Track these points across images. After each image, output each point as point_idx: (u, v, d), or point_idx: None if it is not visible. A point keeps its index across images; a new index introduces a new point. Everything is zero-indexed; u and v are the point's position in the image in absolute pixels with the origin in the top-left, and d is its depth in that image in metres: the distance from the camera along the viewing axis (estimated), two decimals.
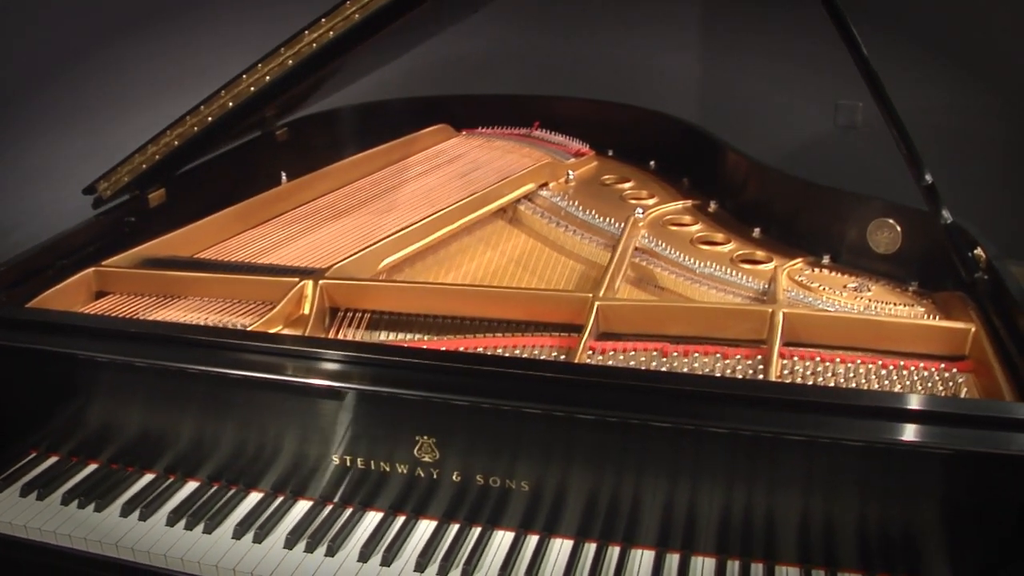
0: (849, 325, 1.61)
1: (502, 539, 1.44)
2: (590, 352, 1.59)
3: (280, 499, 1.53)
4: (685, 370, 1.55)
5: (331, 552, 1.42)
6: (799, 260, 1.96)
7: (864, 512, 1.31)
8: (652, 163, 2.59)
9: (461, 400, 1.40)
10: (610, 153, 2.69)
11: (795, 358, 1.57)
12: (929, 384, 1.50)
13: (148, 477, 1.60)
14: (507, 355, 1.61)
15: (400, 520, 1.48)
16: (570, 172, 2.45)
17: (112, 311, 1.79)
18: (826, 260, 1.97)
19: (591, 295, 1.67)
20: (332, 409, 1.47)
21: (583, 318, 1.64)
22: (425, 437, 1.43)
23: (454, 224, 2.08)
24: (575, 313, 1.67)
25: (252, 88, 1.81)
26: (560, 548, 1.42)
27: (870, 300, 1.79)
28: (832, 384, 1.51)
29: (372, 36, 1.77)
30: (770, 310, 1.62)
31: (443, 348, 1.63)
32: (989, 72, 3.14)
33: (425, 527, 1.47)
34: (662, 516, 1.39)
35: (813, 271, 1.93)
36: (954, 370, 1.53)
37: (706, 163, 2.38)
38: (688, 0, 3.80)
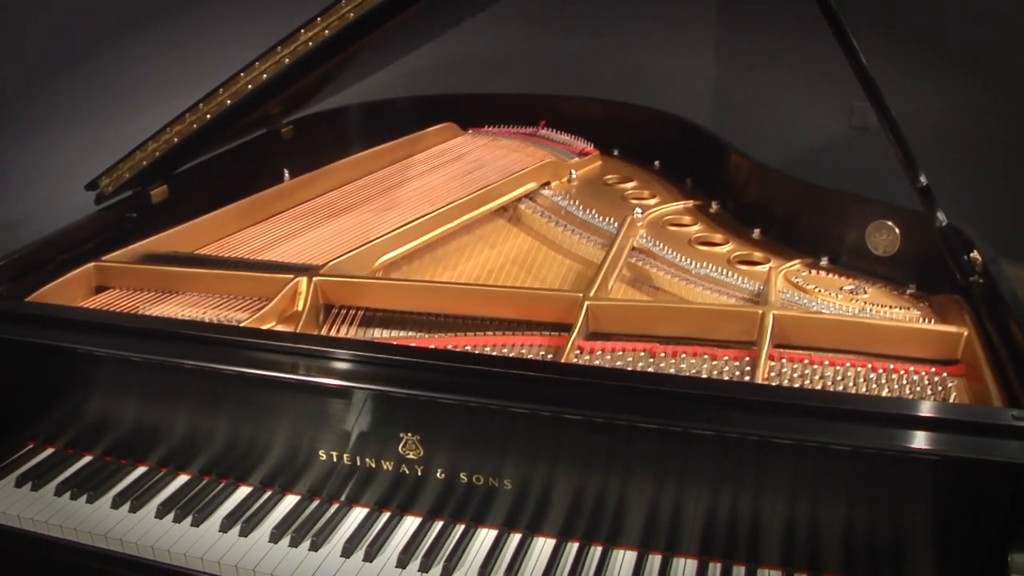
0: (840, 327, 1.60)
1: (485, 537, 1.44)
2: (578, 352, 1.59)
3: (269, 493, 1.55)
4: (672, 371, 1.54)
5: (315, 547, 1.43)
6: (796, 262, 1.95)
7: (846, 516, 1.30)
8: (656, 163, 2.59)
9: (442, 398, 1.41)
10: (615, 153, 2.69)
11: (783, 360, 1.56)
12: (918, 388, 1.49)
13: (140, 470, 1.62)
14: (496, 354, 1.61)
15: (385, 516, 1.49)
16: (573, 171, 2.45)
17: (111, 306, 1.81)
18: (824, 262, 1.96)
19: (581, 295, 1.67)
20: (319, 405, 1.48)
21: (573, 318, 1.64)
22: (409, 434, 1.44)
23: (452, 223, 2.08)
24: (566, 313, 1.67)
25: (250, 86, 1.82)
26: (542, 547, 1.42)
27: (865, 302, 1.77)
28: (820, 387, 1.50)
29: (368, 35, 1.77)
30: (760, 312, 1.61)
31: (432, 346, 1.64)
32: (989, 72, 3.11)
33: (409, 524, 1.48)
34: (646, 517, 1.39)
35: (810, 273, 1.92)
36: (944, 374, 1.51)
37: (709, 163, 2.38)
38: (703, 3, 3.81)
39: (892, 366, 1.53)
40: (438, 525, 1.46)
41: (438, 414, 1.43)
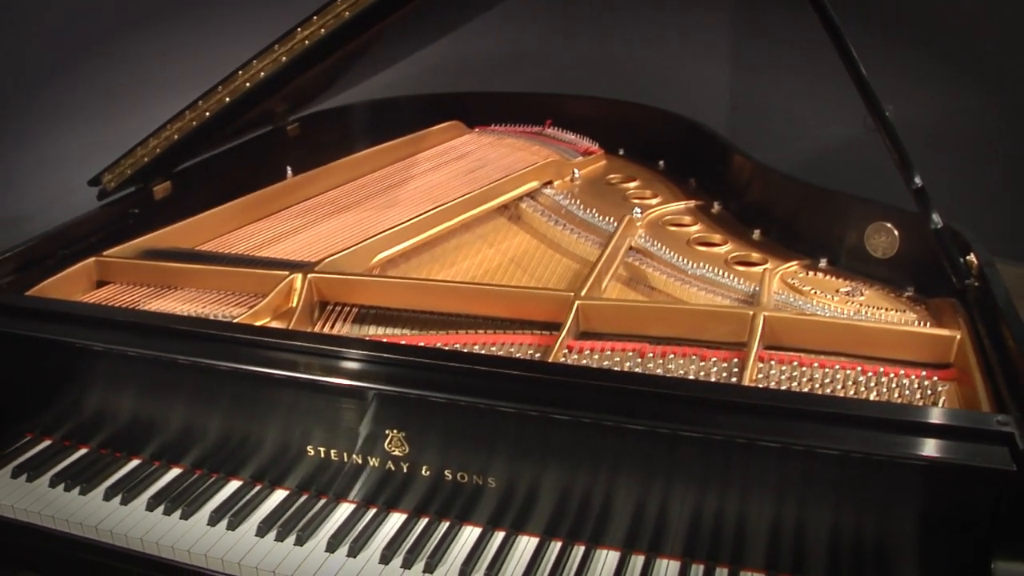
0: (831, 330, 1.59)
1: (469, 535, 1.45)
2: (566, 351, 1.59)
3: (258, 488, 1.56)
4: (660, 371, 1.54)
5: (300, 542, 1.44)
6: (794, 263, 1.94)
7: (828, 519, 1.29)
8: (661, 163, 2.58)
9: (426, 396, 1.41)
10: (621, 152, 2.68)
11: (772, 362, 1.55)
12: (907, 392, 1.47)
13: (134, 463, 1.64)
14: (485, 352, 1.62)
15: (371, 513, 1.49)
16: (576, 170, 2.45)
17: (110, 300, 1.83)
18: (823, 263, 1.94)
19: (572, 294, 1.67)
20: (308, 401, 1.50)
21: (564, 317, 1.64)
22: (394, 431, 1.45)
23: (451, 221, 2.09)
24: (557, 312, 1.67)
25: (248, 84, 1.84)
26: (525, 545, 1.42)
27: (861, 305, 1.76)
28: (807, 389, 1.49)
29: (365, 33, 1.78)
30: (751, 313, 1.60)
31: (422, 343, 1.64)
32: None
33: (395, 520, 1.48)
34: (630, 517, 1.39)
35: (807, 274, 1.90)
36: (935, 378, 1.50)
37: (712, 163, 2.37)
38: (718, 7, 3.80)
39: (882, 369, 1.52)
40: (423, 522, 1.47)
41: (422, 411, 1.43)
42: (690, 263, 1.92)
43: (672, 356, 1.57)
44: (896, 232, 1.84)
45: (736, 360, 1.55)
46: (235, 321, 1.66)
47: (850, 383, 1.50)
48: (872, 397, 1.46)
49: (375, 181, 2.41)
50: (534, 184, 2.32)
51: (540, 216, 2.19)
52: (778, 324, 1.60)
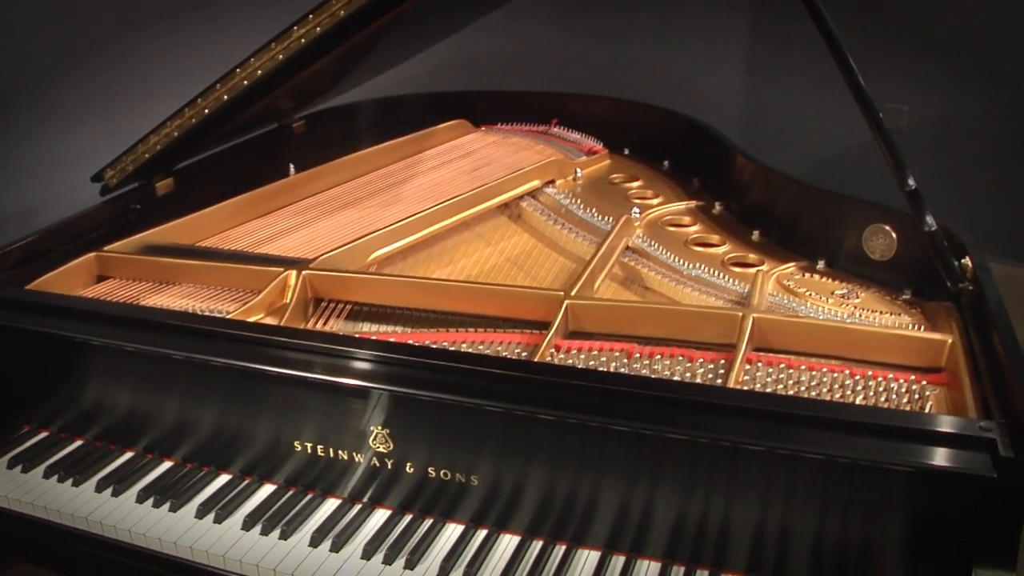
0: (821, 332, 1.58)
1: (451, 532, 1.45)
2: (553, 350, 1.59)
3: (246, 482, 1.57)
4: (646, 372, 1.54)
5: (284, 536, 1.46)
6: (791, 264, 1.93)
7: (809, 523, 1.28)
8: (666, 163, 2.57)
9: (410, 393, 1.42)
10: (626, 152, 2.67)
11: (759, 364, 1.54)
12: (894, 396, 1.46)
13: (127, 456, 1.66)
14: (472, 351, 1.62)
15: (356, 509, 1.50)
16: (578, 170, 2.44)
17: (109, 295, 1.86)
18: (821, 265, 1.93)
19: (562, 293, 1.67)
20: (294, 397, 1.51)
21: (553, 316, 1.64)
22: (379, 428, 1.45)
23: (450, 219, 2.10)
24: (547, 311, 1.67)
25: (245, 82, 1.86)
26: (507, 544, 1.42)
27: (856, 307, 1.75)
28: (793, 392, 1.48)
29: (361, 31, 1.80)
30: (740, 314, 1.59)
31: (410, 341, 1.65)
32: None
33: (379, 516, 1.49)
34: (612, 518, 1.38)
35: (804, 276, 1.89)
36: (924, 383, 1.48)
37: (714, 164, 2.35)
38: (735, 10, 3.80)
39: (871, 372, 1.51)
40: (407, 519, 1.48)
41: (407, 409, 1.44)
42: (686, 264, 1.92)
43: (659, 357, 1.57)
44: (894, 234, 1.83)
45: (723, 361, 1.54)
46: (228, 317, 1.68)
47: (837, 386, 1.48)
48: (858, 401, 1.45)
49: (378, 179, 2.42)
50: (535, 183, 2.32)
51: (540, 215, 2.19)
52: (767, 326, 1.59)
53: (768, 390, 1.48)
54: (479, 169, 2.44)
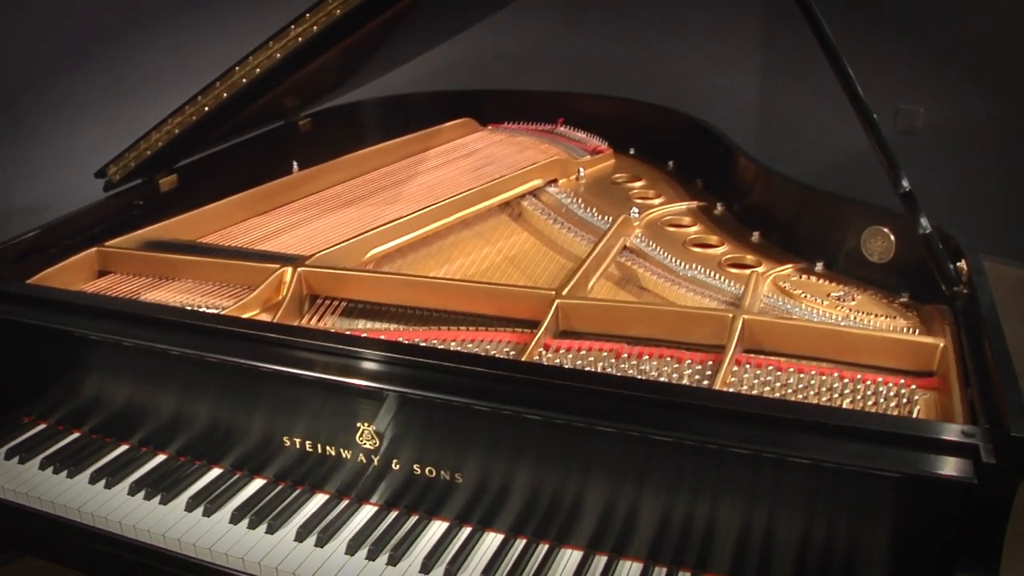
0: (812, 334, 1.57)
1: (436, 529, 1.46)
2: (542, 350, 1.59)
3: (237, 476, 1.59)
4: (633, 372, 1.53)
5: (271, 530, 1.47)
6: (788, 266, 1.92)
7: (792, 527, 1.28)
8: (670, 163, 2.56)
9: (397, 391, 1.43)
10: (631, 152, 2.67)
11: (748, 365, 1.53)
12: (882, 400, 1.45)
13: (122, 448, 1.68)
14: (462, 349, 1.63)
15: (343, 504, 1.51)
16: (581, 169, 2.44)
17: (109, 290, 1.88)
18: (819, 267, 1.92)
19: (553, 293, 1.67)
20: (284, 392, 1.52)
21: (543, 315, 1.64)
22: (366, 424, 1.46)
23: (449, 218, 2.10)
24: (538, 310, 1.67)
25: (244, 80, 1.87)
26: (490, 542, 1.43)
27: (851, 310, 1.73)
28: (780, 395, 1.47)
29: (359, 30, 1.80)
30: (731, 315, 1.58)
31: (401, 339, 1.65)
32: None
33: (365, 513, 1.50)
34: (596, 518, 1.38)
35: (800, 278, 1.88)
36: (913, 387, 1.47)
37: (717, 164, 2.34)
38: (749, 11, 3.78)
39: (860, 376, 1.49)
40: (392, 515, 1.49)
41: (394, 406, 1.45)
42: (682, 264, 1.91)
43: (647, 357, 1.56)
44: (892, 237, 1.81)
45: (711, 363, 1.53)
46: (223, 313, 1.69)
47: (824, 389, 1.47)
48: (846, 404, 1.44)
49: (381, 177, 2.43)
50: (537, 182, 2.32)
51: (540, 214, 2.19)
52: (758, 328, 1.58)
53: (755, 392, 1.47)
54: (482, 168, 2.45)
